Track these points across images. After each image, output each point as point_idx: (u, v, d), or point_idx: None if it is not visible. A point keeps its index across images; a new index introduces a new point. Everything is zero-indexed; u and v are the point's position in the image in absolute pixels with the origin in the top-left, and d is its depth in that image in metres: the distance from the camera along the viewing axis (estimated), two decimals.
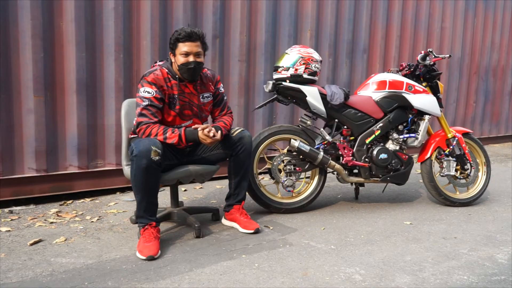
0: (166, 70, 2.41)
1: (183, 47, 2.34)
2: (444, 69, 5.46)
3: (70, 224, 2.65)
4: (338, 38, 4.47)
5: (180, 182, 2.52)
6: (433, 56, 3.14)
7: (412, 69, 3.17)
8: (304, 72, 2.83)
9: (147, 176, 2.19)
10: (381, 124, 3.02)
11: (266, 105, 3.10)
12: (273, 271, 2.05)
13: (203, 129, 2.32)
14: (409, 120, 3.08)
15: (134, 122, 2.40)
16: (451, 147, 3.17)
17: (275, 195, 2.95)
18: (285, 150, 2.96)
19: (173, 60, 2.42)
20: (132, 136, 2.49)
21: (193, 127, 2.36)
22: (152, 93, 2.32)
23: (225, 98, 2.65)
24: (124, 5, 3.18)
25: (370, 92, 3.07)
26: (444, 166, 3.17)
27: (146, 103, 2.32)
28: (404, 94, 3.04)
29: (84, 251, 2.25)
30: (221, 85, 2.63)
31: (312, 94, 2.85)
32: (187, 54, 2.34)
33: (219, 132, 2.37)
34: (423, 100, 3.07)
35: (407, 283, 1.96)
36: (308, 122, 2.95)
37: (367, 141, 2.99)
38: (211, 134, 2.32)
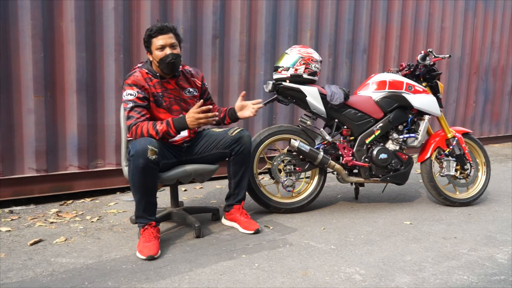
0: (146, 70, 2.43)
1: (157, 41, 2.37)
2: (444, 69, 5.46)
3: (70, 224, 2.65)
4: (338, 38, 4.47)
5: (180, 182, 2.52)
6: (433, 56, 3.14)
7: (412, 69, 3.17)
8: (304, 72, 2.83)
9: (144, 175, 2.19)
10: (381, 124, 3.02)
11: (266, 105, 3.10)
12: (273, 271, 2.05)
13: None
14: (409, 120, 3.08)
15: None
16: (451, 147, 3.17)
17: (275, 195, 2.95)
18: (285, 150, 2.96)
19: (151, 59, 2.44)
20: (130, 137, 2.49)
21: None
22: (134, 94, 2.34)
23: (209, 92, 2.72)
24: (124, 5, 3.18)
25: (370, 92, 3.07)
26: (444, 166, 3.17)
27: (131, 105, 2.33)
28: (404, 94, 3.04)
29: (84, 251, 2.25)
30: (205, 80, 2.70)
31: (312, 94, 2.85)
32: (162, 48, 2.37)
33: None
34: (423, 100, 3.07)
35: (407, 283, 1.96)
36: (308, 122, 2.95)
37: (367, 141, 2.99)
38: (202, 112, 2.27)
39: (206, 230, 2.58)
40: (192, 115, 2.28)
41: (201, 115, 2.27)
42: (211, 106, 2.34)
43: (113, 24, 3.14)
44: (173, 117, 2.44)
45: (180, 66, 2.52)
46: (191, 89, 2.56)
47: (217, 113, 2.38)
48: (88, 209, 2.96)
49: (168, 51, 2.36)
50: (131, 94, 2.34)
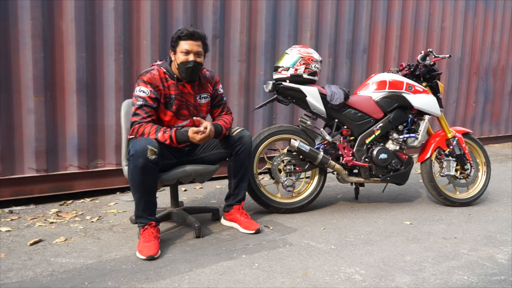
0: (164, 70, 2.41)
1: (184, 45, 2.35)
2: (444, 69, 5.46)
3: (70, 224, 2.65)
4: (338, 38, 4.47)
5: (180, 182, 2.52)
6: (433, 56, 3.14)
7: (412, 69, 3.17)
8: (304, 72, 2.83)
9: (144, 175, 2.19)
10: (381, 124, 3.02)
11: (266, 105, 3.10)
12: (273, 271, 2.05)
13: (193, 130, 2.30)
14: (409, 120, 3.08)
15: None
16: (451, 147, 3.17)
17: (275, 195, 2.94)
18: (285, 150, 2.96)
19: (173, 59, 2.42)
20: (130, 137, 2.49)
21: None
22: (147, 93, 2.33)
23: (224, 98, 2.65)
24: (124, 5, 3.18)
25: (370, 92, 3.07)
26: (444, 166, 3.17)
27: (141, 102, 2.32)
28: (404, 94, 3.04)
29: (84, 251, 2.25)
30: (220, 86, 2.63)
31: (312, 94, 2.85)
32: (187, 53, 2.35)
33: (209, 126, 2.31)
34: (423, 100, 3.07)
35: (407, 283, 1.96)
36: (308, 122, 2.95)
37: (367, 141, 2.99)
38: (201, 129, 2.29)
39: (206, 230, 2.58)
40: (193, 138, 2.29)
41: (198, 137, 2.28)
42: (201, 128, 2.29)
43: (113, 24, 3.14)
44: (179, 122, 2.44)
45: None
46: (204, 95, 2.54)
47: (212, 129, 2.33)
48: (88, 209, 2.96)
49: (191, 57, 2.35)
50: (143, 92, 2.33)
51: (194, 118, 2.36)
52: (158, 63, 2.48)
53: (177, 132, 2.31)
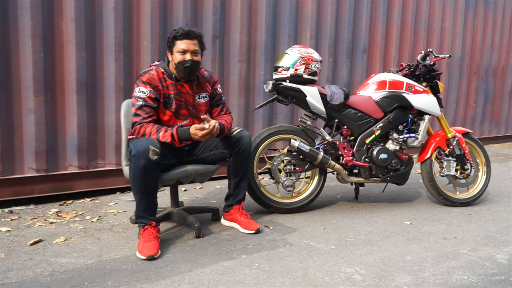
0: (162, 70, 2.42)
1: (180, 44, 2.36)
2: (444, 69, 5.46)
3: (70, 224, 2.65)
4: (338, 38, 4.47)
5: (180, 182, 2.52)
6: (433, 56, 3.14)
7: (412, 69, 3.17)
8: (304, 72, 2.83)
9: (145, 175, 2.19)
10: (381, 124, 3.02)
11: (266, 105, 3.10)
12: (273, 271, 2.05)
13: (195, 126, 2.30)
14: (409, 120, 3.08)
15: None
16: (451, 147, 3.17)
17: (275, 195, 2.94)
18: (285, 150, 2.96)
19: (170, 59, 2.43)
20: (130, 136, 2.49)
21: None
22: (147, 93, 2.33)
23: (223, 98, 2.65)
24: (124, 5, 3.18)
25: (370, 92, 3.07)
26: (444, 166, 3.17)
27: (141, 103, 2.33)
28: (404, 94, 3.04)
29: (84, 251, 2.25)
30: (219, 85, 2.63)
31: (312, 94, 2.85)
32: (184, 52, 2.35)
33: (213, 123, 2.31)
34: (423, 100, 3.07)
35: (407, 283, 1.96)
36: (308, 122, 2.95)
37: (367, 141, 2.99)
38: (206, 126, 2.29)
39: (206, 230, 2.58)
40: (195, 134, 2.28)
41: (200, 133, 2.28)
42: (206, 125, 2.31)
43: (113, 24, 3.14)
44: (178, 122, 2.44)
45: None
46: (202, 94, 2.54)
47: (217, 126, 2.33)
48: (88, 209, 2.96)
49: (188, 56, 2.35)
50: (143, 92, 2.33)
51: (203, 116, 2.35)
52: (156, 63, 2.48)
53: (178, 130, 2.32)
